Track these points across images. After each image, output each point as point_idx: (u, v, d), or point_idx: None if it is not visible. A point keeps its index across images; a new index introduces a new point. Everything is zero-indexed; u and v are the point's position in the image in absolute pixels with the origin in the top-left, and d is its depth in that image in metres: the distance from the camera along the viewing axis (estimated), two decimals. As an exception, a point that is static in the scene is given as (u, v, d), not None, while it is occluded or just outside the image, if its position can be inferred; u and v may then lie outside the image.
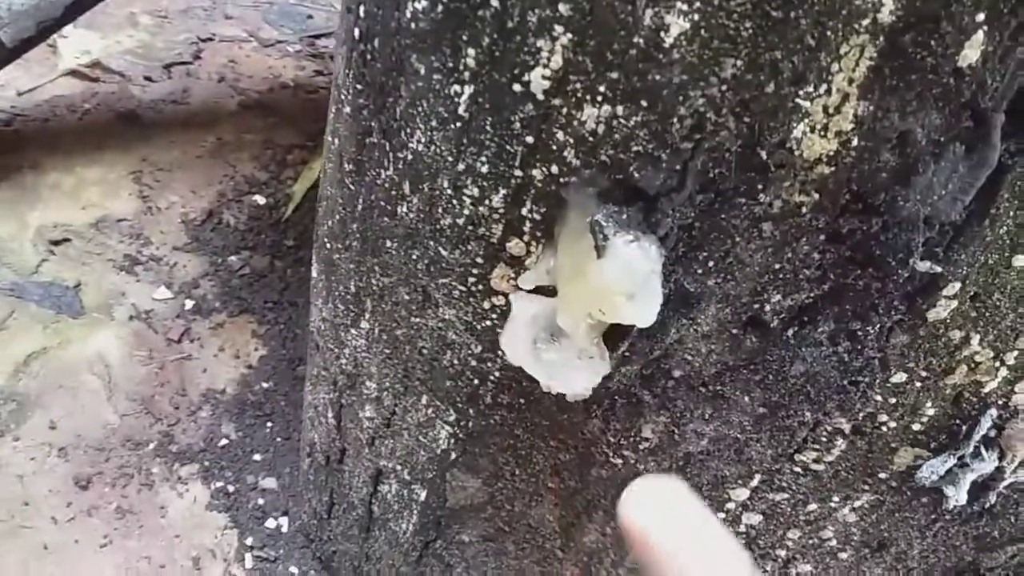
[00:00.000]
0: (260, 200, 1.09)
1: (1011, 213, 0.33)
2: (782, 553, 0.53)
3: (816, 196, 0.34)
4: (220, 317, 0.96)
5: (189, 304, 0.96)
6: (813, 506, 0.48)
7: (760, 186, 0.34)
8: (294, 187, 1.12)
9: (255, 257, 1.02)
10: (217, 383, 0.90)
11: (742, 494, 0.48)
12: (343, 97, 0.43)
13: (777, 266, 0.36)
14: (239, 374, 0.91)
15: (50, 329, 0.91)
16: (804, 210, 0.34)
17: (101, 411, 0.85)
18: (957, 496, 0.45)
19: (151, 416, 0.85)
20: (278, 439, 0.86)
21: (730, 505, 0.50)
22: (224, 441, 0.85)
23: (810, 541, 0.51)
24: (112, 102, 1.20)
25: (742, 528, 0.51)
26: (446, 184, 0.40)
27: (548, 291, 0.40)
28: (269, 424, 0.87)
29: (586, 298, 0.36)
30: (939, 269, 0.35)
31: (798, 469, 0.46)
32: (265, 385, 0.90)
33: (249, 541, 0.78)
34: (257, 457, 0.84)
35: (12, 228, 1.00)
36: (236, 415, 0.87)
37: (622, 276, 0.34)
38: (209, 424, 0.86)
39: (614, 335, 0.40)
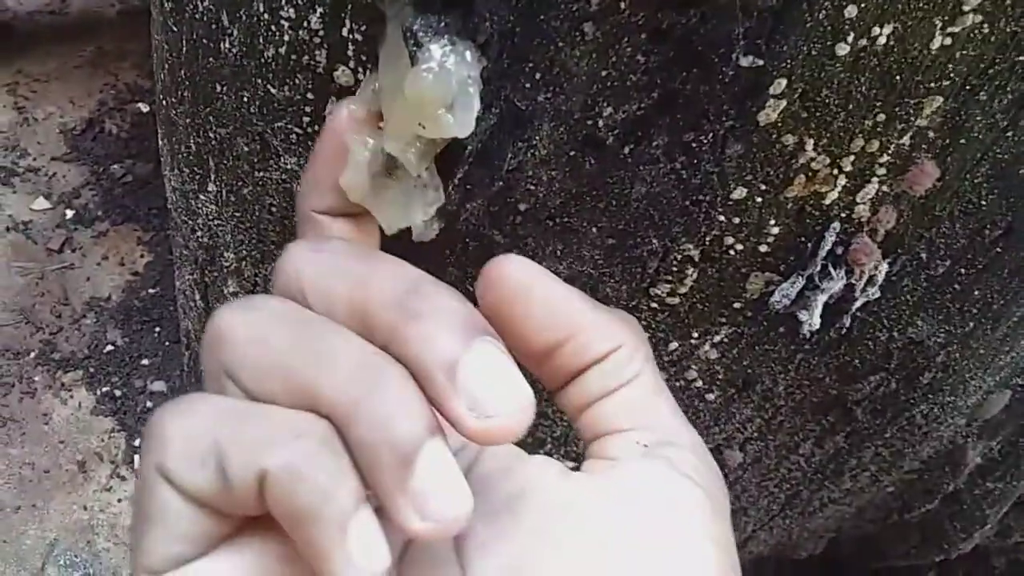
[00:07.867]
0: (143, 108, 1.05)
1: (827, -6, 0.32)
2: (653, 400, 0.52)
3: (632, -12, 0.32)
4: (103, 226, 0.92)
5: (70, 214, 0.92)
6: (675, 344, 0.48)
7: (574, -21, 0.32)
8: (180, 93, 1.08)
9: (138, 165, 0.98)
10: (101, 291, 0.87)
11: (604, 337, 0.48)
12: (153, -74, 0.41)
13: (604, 73, 0.35)
14: (124, 281, 0.88)
15: (-80, 244, 0.87)
16: (623, 6, 0.33)
17: (-23, 323, 0.82)
18: (811, 321, 0.44)
19: (32, 325, 0.82)
20: (166, 343, 0.83)
21: (595, 350, 0.49)
22: (110, 347, 0.82)
23: (677, 384, 0.51)
24: (-17, 14, 1.13)
25: (610, 375, 0.51)
26: (262, 8, 0.38)
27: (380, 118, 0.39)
28: (157, 329, 0.84)
29: (407, 114, 0.35)
30: (761, 62, 0.34)
31: (655, 304, 0.46)
32: (152, 291, 0.87)
33: (137, 443, 0.76)
34: (145, 362, 0.82)
35: None
36: (122, 321, 0.84)
37: (437, 83, 0.33)
38: (94, 331, 0.83)
39: (448, 163, 0.39)
